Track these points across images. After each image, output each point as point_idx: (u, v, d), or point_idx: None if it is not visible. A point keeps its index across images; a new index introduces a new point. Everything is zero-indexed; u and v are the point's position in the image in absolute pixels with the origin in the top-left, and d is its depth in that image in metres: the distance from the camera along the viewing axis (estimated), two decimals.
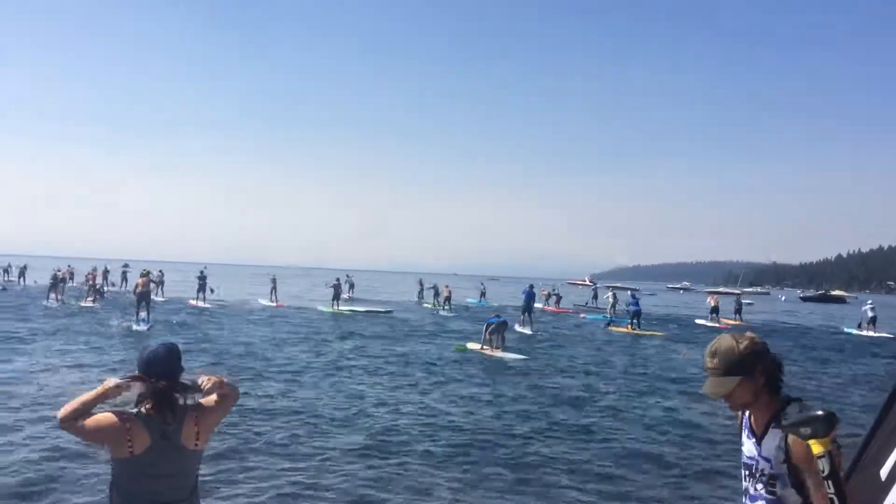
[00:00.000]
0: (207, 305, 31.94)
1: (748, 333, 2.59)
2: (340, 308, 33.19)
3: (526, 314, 26.45)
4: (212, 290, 33.50)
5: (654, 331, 28.01)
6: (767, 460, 2.45)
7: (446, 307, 36.10)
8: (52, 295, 30.27)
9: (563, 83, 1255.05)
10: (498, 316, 18.92)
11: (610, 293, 35.10)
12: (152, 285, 24.80)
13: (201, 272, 34.76)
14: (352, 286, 49.17)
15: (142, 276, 22.43)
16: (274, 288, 36.89)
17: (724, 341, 2.52)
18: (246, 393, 10.97)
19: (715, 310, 34.48)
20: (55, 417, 2.82)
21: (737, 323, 34.81)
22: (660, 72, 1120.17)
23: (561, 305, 41.84)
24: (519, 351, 18.69)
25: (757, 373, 2.47)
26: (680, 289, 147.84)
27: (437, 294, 41.39)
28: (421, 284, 47.78)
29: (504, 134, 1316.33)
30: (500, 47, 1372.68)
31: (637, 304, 28.02)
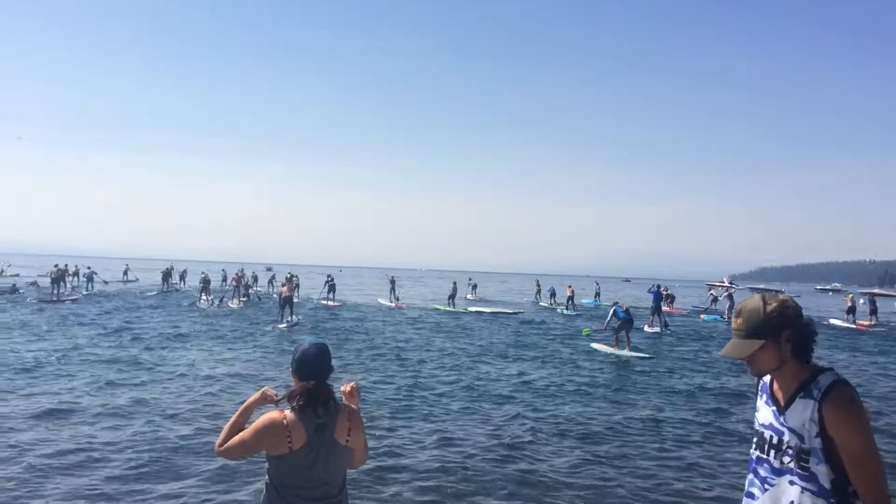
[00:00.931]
0: (336, 304, 34.18)
1: (781, 294, 2.39)
2: (456, 307, 34.11)
3: (655, 315, 26.30)
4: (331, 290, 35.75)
5: None
6: (797, 433, 2.23)
7: (569, 307, 36.20)
8: (203, 297, 32.89)
9: (724, 80, 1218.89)
10: (627, 311, 18.77)
11: (725, 294, 34.87)
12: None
13: (329, 276, 37.63)
14: (474, 287, 50.00)
15: (287, 279, 24.16)
16: (392, 288, 38.27)
17: (752, 301, 2.32)
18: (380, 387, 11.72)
19: (851, 310, 32.54)
20: (215, 451, 2.92)
21: (872, 323, 32.68)
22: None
23: (675, 306, 40.90)
24: (645, 350, 18.62)
25: (783, 338, 2.26)
26: (829, 290, 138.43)
27: (553, 294, 41.62)
28: (538, 285, 47.92)
29: (643, 138, 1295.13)
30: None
31: (657, 295, 26.69)
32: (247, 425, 2.93)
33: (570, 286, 38.96)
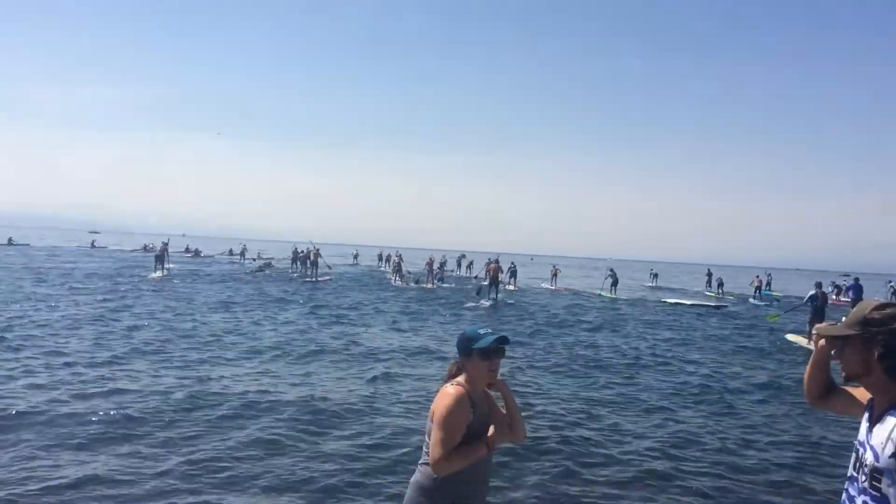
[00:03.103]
0: (516, 289, 35.56)
1: None
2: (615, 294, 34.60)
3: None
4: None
5: None
6: (874, 451, 2.04)
7: (755, 296, 36.01)
8: (393, 275, 36.87)
9: None
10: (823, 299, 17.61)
11: None
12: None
13: (512, 263, 39.39)
14: (656, 276, 49.97)
15: (492, 262, 26.68)
16: (555, 275, 40.55)
17: (872, 301, 2.21)
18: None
19: None
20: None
21: None
22: None
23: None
24: None
25: (876, 342, 2.08)
26: None
27: (721, 285, 41.41)
28: (710, 275, 46.90)
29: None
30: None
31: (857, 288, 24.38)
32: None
33: (757, 276, 38.47)
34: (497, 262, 27.46)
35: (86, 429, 7.09)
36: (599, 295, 34.41)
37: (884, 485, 1.98)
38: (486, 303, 25.11)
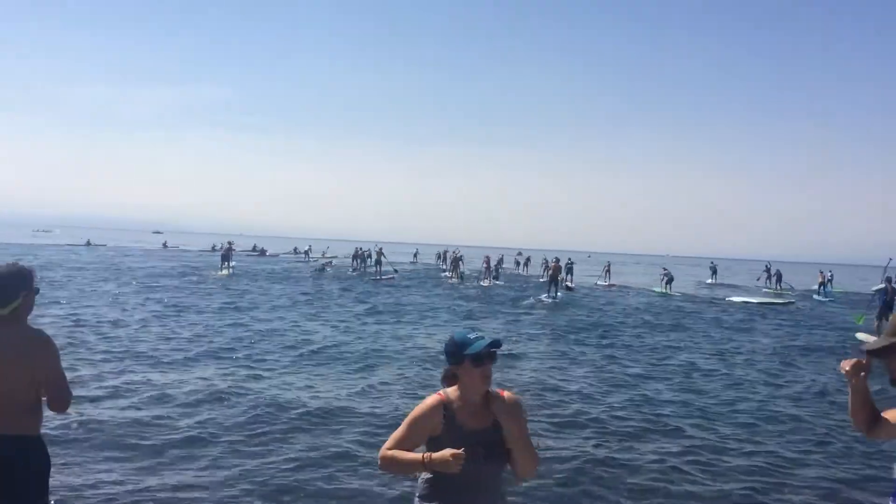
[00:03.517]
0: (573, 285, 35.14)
1: None
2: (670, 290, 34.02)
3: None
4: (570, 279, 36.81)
5: None
6: None
7: (820, 293, 35.07)
8: (450, 273, 37.18)
9: None
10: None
11: None
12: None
13: (570, 258, 39.22)
14: (715, 272, 49.06)
15: (554, 260, 27.05)
16: (607, 271, 40.42)
17: None
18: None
19: None
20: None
21: None
22: None
23: None
24: None
25: None
26: None
27: (780, 279, 40.39)
28: (768, 269, 45.72)
29: None
30: None
31: None
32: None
33: (822, 272, 37.63)
34: (557, 260, 28.14)
35: (163, 437, 6.94)
36: (655, 292, 33.93)
37: None
38: (546, 300, 25.20)
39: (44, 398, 3.22)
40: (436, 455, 2.53)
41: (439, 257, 50.04)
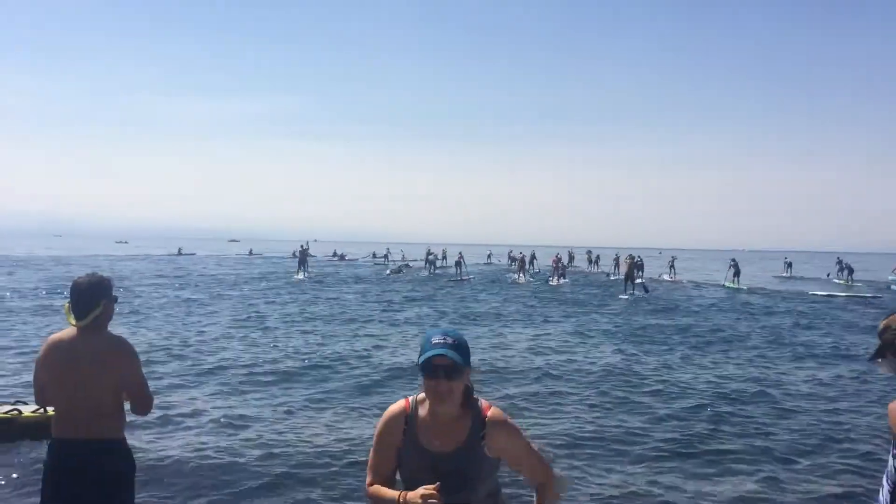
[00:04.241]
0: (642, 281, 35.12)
1: None
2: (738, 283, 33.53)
3: None
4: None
5: None
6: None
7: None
8: (518, 273, 37.44)
9: None
10: None
11: None
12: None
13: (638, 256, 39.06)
14: (790, 265, 48.03)
15: (628, 257, 27.71)
16: (672, 266, 40.83)
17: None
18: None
19: None
20: None
21: None
22: None
23: None
24: None
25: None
26: None
27: (851, 273, 39.31)
28: (840, 262, 44.26)
29: None
30: None
31: None
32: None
33: None
34: (631, 257, 28.63)
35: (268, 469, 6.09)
36: (725, 287, 33.42)
37: None
38: (623, 297, 25.69)
39: (126, 402, 3.35)
40: (410, 495, 2.18)
41: (511, 259, 50.67)
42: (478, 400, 2.32)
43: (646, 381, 10.38)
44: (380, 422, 2.36)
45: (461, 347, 2.22)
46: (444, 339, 2.20)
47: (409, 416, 2.30)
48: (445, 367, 2.16)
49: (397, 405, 2.36)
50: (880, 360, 2.45)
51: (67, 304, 3.27)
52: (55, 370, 3.21)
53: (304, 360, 11.70)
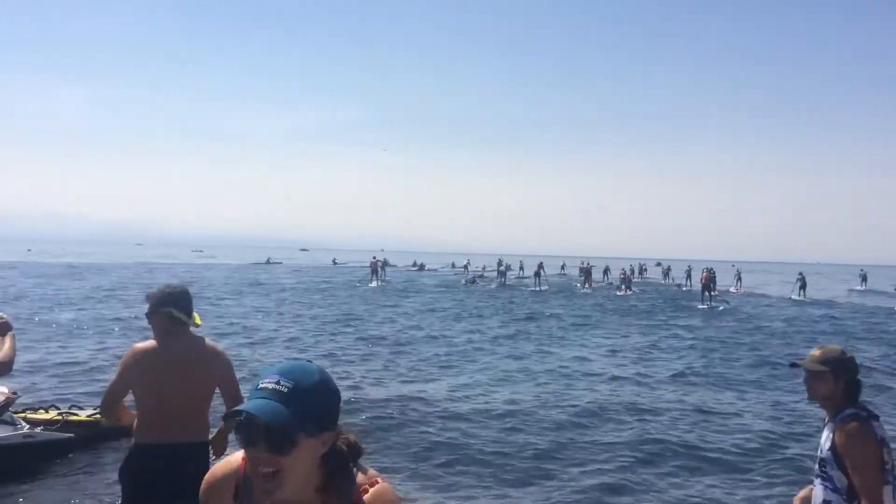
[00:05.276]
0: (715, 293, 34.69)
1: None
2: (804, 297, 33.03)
3: None
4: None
5: None
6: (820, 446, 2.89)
7: None
8: (583, 284, 38.79)
9: None
10: None
11: None
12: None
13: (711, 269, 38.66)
14: (864, 279, 46.86)
15: (705, 270, 28.63)
16: (738, 278, 39.87)
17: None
18: None
19: None
20: None
21: None
22: None
23: None
24: None
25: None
26: None
27: None
28: None
29: None
30: None
31: None
32: None
33: None
34: (709, 269, 29.14)
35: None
36: (793, 299, 32.80)
37: (828, 468, 2.78)
38: (701, 306, 26.63)
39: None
40: None
41: (582, 271, 50.97)
42: (353, 483, 1.42)
43: None
44: (203, 484, 1.55)
45: (303, 397, 1.32)
46: (277, 382, 1.32)
47: (242, 480, 1.46)
48: (266, 431, 1.29)
49: (225, 465, 1.52)
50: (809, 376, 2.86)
51: (173, 311, 3.26)
52: (153, 375, 3.18)
53: None
